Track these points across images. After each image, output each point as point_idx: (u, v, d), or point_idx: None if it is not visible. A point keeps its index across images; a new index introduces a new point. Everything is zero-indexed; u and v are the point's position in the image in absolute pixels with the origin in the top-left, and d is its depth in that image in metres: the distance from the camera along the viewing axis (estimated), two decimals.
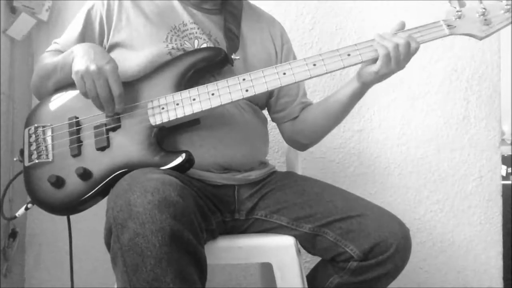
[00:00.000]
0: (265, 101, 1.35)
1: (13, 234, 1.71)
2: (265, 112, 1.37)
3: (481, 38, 1.13)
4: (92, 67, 1.05)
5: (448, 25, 1.12)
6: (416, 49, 1.10)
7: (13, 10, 1.73)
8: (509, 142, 2.60)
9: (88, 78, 1.05)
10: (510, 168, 2.27)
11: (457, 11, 1.11)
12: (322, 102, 1.30)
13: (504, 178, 2.02)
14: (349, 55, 1.10)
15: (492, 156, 1.83)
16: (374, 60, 1.11)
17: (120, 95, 1.07)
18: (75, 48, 1.12)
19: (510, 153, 2.33)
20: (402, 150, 1.84)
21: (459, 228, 1.83)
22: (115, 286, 0.88)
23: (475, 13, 1.12)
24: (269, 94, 1.34)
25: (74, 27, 1.25)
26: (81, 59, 1.07)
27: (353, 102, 1.22)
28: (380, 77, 1.12)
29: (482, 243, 1.83)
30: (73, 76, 1.07)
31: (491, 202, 1.83)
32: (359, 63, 1.11)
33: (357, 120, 1.83)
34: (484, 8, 1.10)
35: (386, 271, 1.10)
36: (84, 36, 1.23)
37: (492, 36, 1.79)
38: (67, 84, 1.15)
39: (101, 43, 1.23)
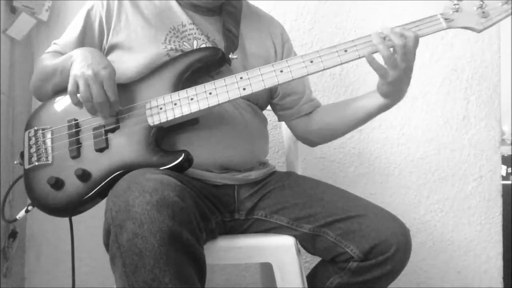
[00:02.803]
0: (265, 102, 1.34)
1: (13, 234, 1.71)
2: (265, 112, 1.37)
3: (479, 31, 1.12)
4: (88, 71, 1.05)
5: (446, 19, 1.11)
6: (415, 40, 1.06)
7: (13, 10, 1.73)
8: (509, 142, 2.60)
9: (82, 82, 1.05)
10: (510, 168, 2.27)
11: (455, 4, 1.11)
12: (341, 108, 1.29)
13: (504, 178, 2.02)
14: (346, 51, 1.10)
15: (492, 156, 1.83)
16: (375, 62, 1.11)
17: (115, 102, 1.07)
18: (74, 53, 1.12)
19: (510, 153, 2.33)
20: (402, 150, 1.84)
21: (459, 228, 1.83)
22: (115, 286, 0.88)
23: (472, 6, 1.11)
24: (270, 94, 1.34)
25: (73, 28, 1.25)
26: (79, 64, 1.07)
27: (380, 113, 1.21)
28: (395, 81, 1.10)
29: (482, 243, 1.83)
30: (69, 80, 1.07)
31: (491, 202, 1.83)
32: (356, 58, 1.10)
33: None
34: (482, 1, 1.10)
35: (386, 271, 1.10)
36: (84, 37, 1.24)
37: (492, 36, 1.82)
38: (66, 88, 1.16)
39: (100, 43, 1.23)
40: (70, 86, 1.07)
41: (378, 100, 1.17)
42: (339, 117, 1.28)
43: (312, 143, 1.40)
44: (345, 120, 1.27)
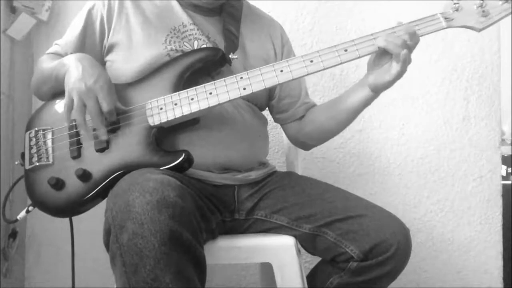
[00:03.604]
0: (264, 102, 1.35)
1: (13, 234, 1.71)
2: (264, 112, 1.37)
3: (479, 30, 1.12)
4: (82, 87, 1.05)
5: (446, 18, 1.11)
6: (417, 43, 1.08)
7: (13, 10, 1.73)
8: (509, 142, 2.60)
9: (76, 99, 1.06)
10: (510, 168, 2.27)
11: (455, 4, 1.10)
12: (330, 107, 1.29)
13: (504, 178, 2.02)
14: (346, 50, 1.10)
15: (492, 156, 1.83)
16: (375, 60, 1.11)
17: (110, 111, 1.07)
18: (67, 61, 1.12)
19: (510, 153, 2.33)
20: (402, 150, 1.84)
21: (459, 228, 1.84)
22: (115, 286, 0.88)
23: (472, 5, 1.10)
24: (269, 95, 1.34)
25: (75, 28, 1.25)
26: (72, 78, 1.07)
27: (365, 107, 1.21)
28: (393, 82, 1.12)
29: (482, 243, 1.83)
30: (65, 95, 1.08)
31: (491, 202, 1.83)
32: (357, 58, 1.10)
33: (357, 120, 1.80)
34: (482, 0, 1.10)
35: (386, 271, 1.10)
36: (85, 36, 1.24)
37: (492, 36, 1.82)
38: (63, 91, 1.16)
39: (101, 43, 1.23)
40: (66, 103, 1.08)
41: (366, 94, 1.17)
42: (329, 116, 1.28)
43: (305, 146, 1.39)
44: (335, 118, 1.26)
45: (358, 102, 1.19)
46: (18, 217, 1.17)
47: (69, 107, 1.08)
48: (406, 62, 1.07)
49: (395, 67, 1.08)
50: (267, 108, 1.39)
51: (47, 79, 1.19)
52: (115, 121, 1.10)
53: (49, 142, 1.13)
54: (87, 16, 1.24)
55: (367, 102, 1.19)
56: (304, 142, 1.37)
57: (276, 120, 1.40)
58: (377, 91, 1.15)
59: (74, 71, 1.08)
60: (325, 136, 1.34)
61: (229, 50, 1.21)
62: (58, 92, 1.18)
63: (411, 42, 1.07)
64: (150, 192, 0.86)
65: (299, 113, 1.35)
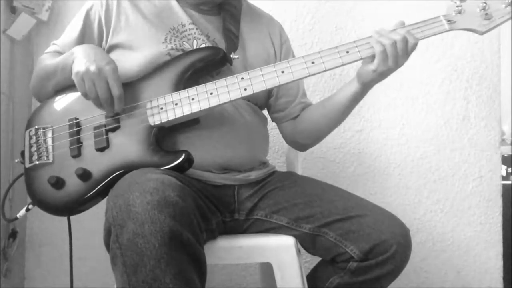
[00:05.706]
0: (264, 101, 1.35)
1: (13, 234, 1.71)
2: (265, 112, 1.37)
3: (482, 33, 1.12)
4: (92, 68, 1.05)
5: (448, 20, 1.10)
6: (414, 46, 1.09)
7: (13, 10, 1.73)
8: (509, 142, 2.60)
9: (87, 79, 1.06)
10: (510, 168, 2.27)
11: (457, 6, 1.10)
12: (322, 103, 1.29)
13: (504, 178, 2.02)
14: (347, 52, 1.10)
15: (492, 156, 1.83)
16: (373, 58, 1.10)
17: (120, 96, 1.07)
18: (76, 50, 1.12)
19: (510, 153, 2.33)
20: (402, 150, 1.84)
21: (459, 228, 1.84)
22: (115, 286, 0.88)
23: (475, 8, 1.10)
24: (269, 93, 1.34)
25: (73, 28, 1.25)
26: (81, 60, 1.07)
27: (354, 103, 1.21)
28: (378, 75, 1.11)
29: (482, 243, 1.83)
30: (73, 77, 1.08)
31: (491, 202, 1.83)
32: (358, 60, 1.10)
33: (357, 120, 1.83)
34: (485, 3, 1.09)
35: (386, 271, 1.10)
36: (83, 37, 1.24)
37: (492, 36, 1.82)
38: (67, 86, 1.16)
39: (100, 44, 1.23)
40: (78, 87, 1.08)
41: (354, 88, 1.17)
42: (321, 113, 1.28)
43: (300, 146, 1.39)
44: (326, 116, 1.26)
45: (347, 97, 1.19)
46: (18, 215, 1.17)
47: (82, 88, 1.07)
48: (380, 58, 1.07)
49: (375, 60, 1.08)
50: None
51: (52, 74, 1.18)
52: (116, 120, 1.10)
53: (49, 141, 1.13)
54: (85, 17, 1.24)
55: (355, 97, 1.18)
56: (298, 142, 1.37)
57: (273, 119, 1.40)
58: (363, 81, 1.14)
59: (84, 56, 1.08)
60: (318, 134, 1.33)
61: (230, 50, 1.21)
62: (61, 88, 1.18)
63: (409, 43, 1.07)
64: (150, 192, 0.86)
65: (294, 113, 1.35)
